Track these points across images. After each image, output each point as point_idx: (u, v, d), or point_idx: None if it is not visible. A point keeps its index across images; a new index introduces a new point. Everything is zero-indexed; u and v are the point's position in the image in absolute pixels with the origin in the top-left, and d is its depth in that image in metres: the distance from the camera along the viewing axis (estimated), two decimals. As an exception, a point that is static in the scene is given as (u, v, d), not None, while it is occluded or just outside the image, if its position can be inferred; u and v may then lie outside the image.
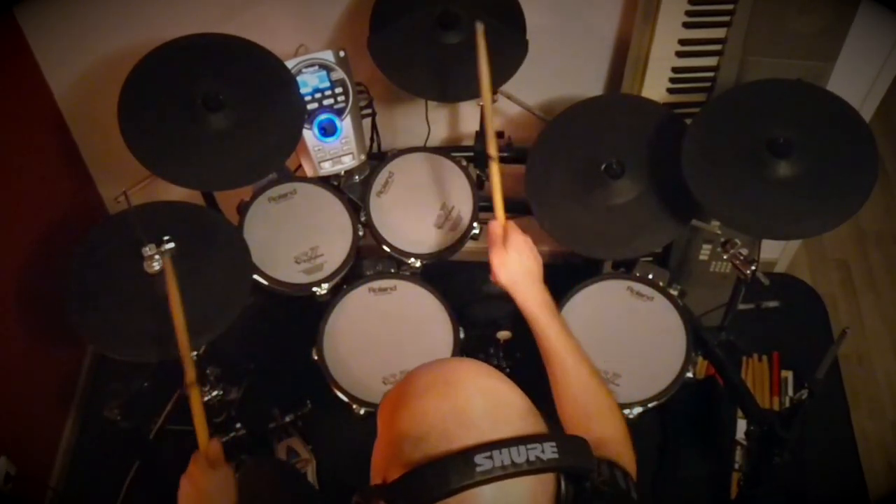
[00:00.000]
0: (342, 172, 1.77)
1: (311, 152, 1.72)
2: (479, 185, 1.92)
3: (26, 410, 1.97)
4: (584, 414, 1.14)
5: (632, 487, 0.97)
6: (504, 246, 1.29)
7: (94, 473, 2.05)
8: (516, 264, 1.28)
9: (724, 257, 1.64)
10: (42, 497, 1.98)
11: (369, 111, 1.85)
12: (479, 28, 1.38)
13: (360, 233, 1.71)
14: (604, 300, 1.67)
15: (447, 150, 1.85)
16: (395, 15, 1.68)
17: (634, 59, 1.77)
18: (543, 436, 0.75)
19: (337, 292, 1.67)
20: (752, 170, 1.47)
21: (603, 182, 1.58)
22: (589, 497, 0.80)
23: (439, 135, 2.08)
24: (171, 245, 1.46)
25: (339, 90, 1.70)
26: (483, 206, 1.79)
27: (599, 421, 1.13)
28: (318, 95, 1.69)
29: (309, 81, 1.68)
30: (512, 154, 1.93)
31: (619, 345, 1.61)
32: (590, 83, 1.95)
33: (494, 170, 1.40)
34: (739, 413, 2.03)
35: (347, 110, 1.72)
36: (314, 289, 1.65)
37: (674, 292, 1.66)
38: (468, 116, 2.03)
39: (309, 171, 1.76)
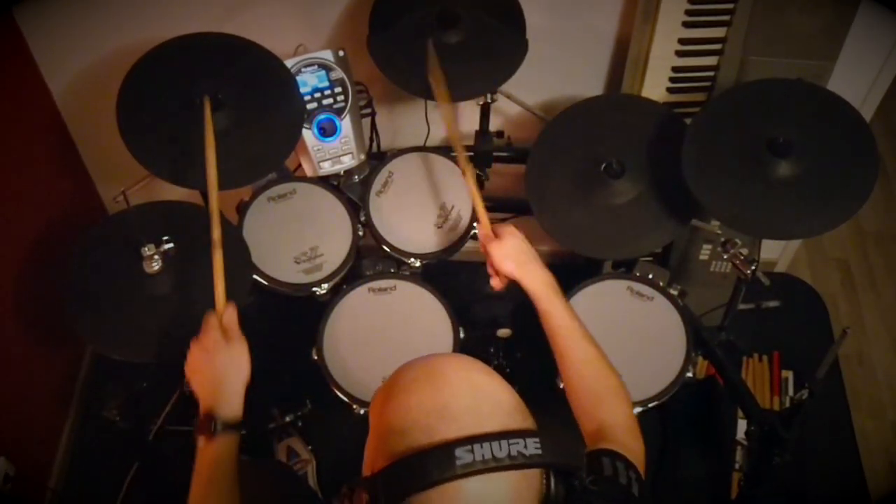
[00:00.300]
0: (342, 172, 1.77)
1: (311, 152, 1.72)
2: (479, 185, 1.92)
3: (25, 411, 1.97)
4: (592, 394, 1.15)
5: (633, 482, 0.97)
6: (497, 238, 1.34)
7: (94, 474, 2.05)
8: (514, 248, 1.32)
9: (725, 257, 1.64)
10: (41, 497, 1.98)
11: (369, 111, 1.85)
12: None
13: (360, 233, 1.70)
14: (604, 300, 1.66)
15: (447, 149, 1.85)
16: (394, 14, 1.67)
17: (634, 59, 1.77)
18: (527, 432, 0.75)
19: (337, 292, 1.67)
20: (752, 170, 1.47)
21: (603, 182, 1.58)
22: (580, 495, 0.80)
23: (439, 134, 2.07)
24: (171, 245, 1.46)
25: (338, 90, 1.70)
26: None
27: (607, 403, 1.14)
28: (317, 95, 1.69)
29: (308, 81, 1.68)
30: (512, 154, 1.93)
31: (619, 345, 1.60)
32: (590, 83, 1.94)
33: (469, 180, 1.48)
34: (739, 413, 2.03)
35: (347, 110, 1.72)
36: (314, 289, 1.65)
37: (674, 292, 1.66)
38: (468, 116, 2.03)
39: (308, 171, 1.76)
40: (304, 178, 1.77)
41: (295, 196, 1.73)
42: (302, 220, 1.71)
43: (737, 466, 1.98)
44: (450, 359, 0.83)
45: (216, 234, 1.31)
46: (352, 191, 1.78)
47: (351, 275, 1.69)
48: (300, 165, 1.79)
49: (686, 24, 1.68)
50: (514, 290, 2.37)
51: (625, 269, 1.73)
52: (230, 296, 1.40)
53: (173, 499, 2.01)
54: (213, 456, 1.12)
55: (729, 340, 1.92)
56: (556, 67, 1.89)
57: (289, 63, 1.65)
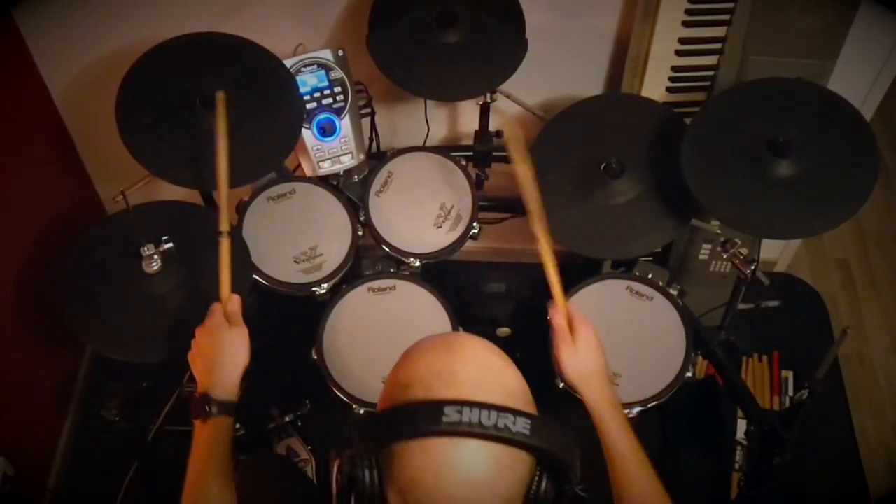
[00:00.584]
0: (341, 172, 1.77)
1: (310, 152, 1.72)
2: (479, 185, 1.91)
3: (25, 411, 1.97)
4: None
5: None
6: (573, 343, 1.21)
7: (93, 474, 2.05)
8: (586, 365, 1.20)
9: (724, 257, 1.64)
10: (41, 498, 1.98)
11: (368, 110, 1.84)
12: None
13: (360, 232, 1.70)
14: (603, 300, 1.66)
15: (446, 149, 1.85)
16: (394, 14, 1.67)
17: (634, 58, 1.77)
18: (521, 412, 0.76)
19: (336, 292, 1.67)
20: (752, 169, 1.47)
21: (602, 181, 1.58)
22: (570, 500, 0.80)
23: (438, 134, 2.07)
24: (170, 245, 1.46)
25: (337, 89, 1.70)
26: (482, 206, 1.79)
27: None
28: (316, 95, 1.69)
29: (308, 81, 1.67)
30: (511, 154, 1.93)
31: (618, 344, 1.61)
32: (589, 82, 1.94)
33: (549, 267, 1.31)
34: (739, 413, 2.03)
35: (346, 110, 1.71)
36: (313, 288, 1.65)
37: (673, 292, 1.65)
38: (467, 116, 2.03)
39: (308, 171, 1.76)
40: (304, 178, 1.76)
41: (294, 196, 1.73)
42: (301, 220, 1.71)
43: (737, 466, 1.98)
44: (470, 336, 0.85)
45: (224, 224, 1.31)
46: (351, 190, 1.77)
47: (350, 275, 1.69)
48: (299, 165, 1.79)
49: (686, 24, 1.68)
50: (514, 289, 2.38)
51: (624, 268, 1.73)
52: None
53: (173, 499, 2.01)
54: (208, 437, 1.14)
55: (729, 340, 1.92)
56: (556, 67, 1.89)
57: (288, 63, 1.65)
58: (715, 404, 2.07)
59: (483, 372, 0.80)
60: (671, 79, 1.76)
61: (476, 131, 1.89)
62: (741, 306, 1.82)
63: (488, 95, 1.75)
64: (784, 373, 2.18)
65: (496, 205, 2.01)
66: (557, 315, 1.24)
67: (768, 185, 1.45)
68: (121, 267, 1.47)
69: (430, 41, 1.63)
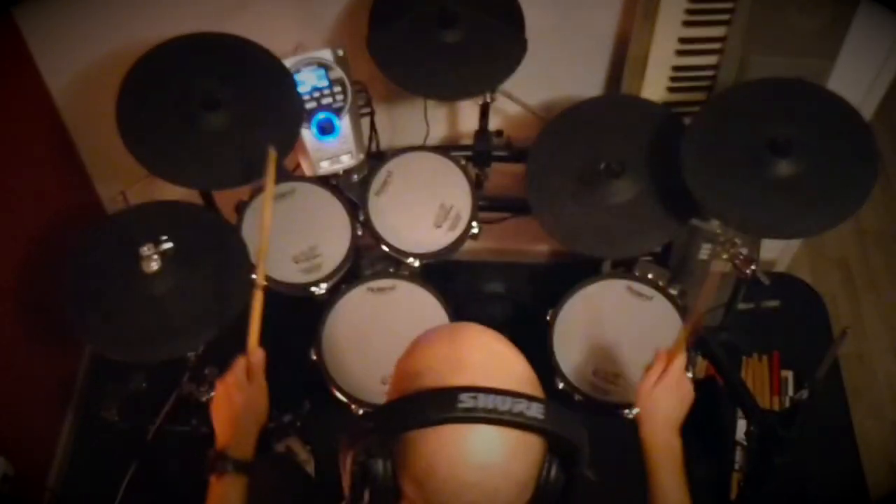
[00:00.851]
0: (340, 172, 1.77)
1: (310, 151, 1.72)
2: (478, 185, 1.91)
3: (24, 411, 1.96)
4: None
5: None
6: (658, 382, 1.24)
7: (92, 474, 2.05)
8: (657, 409, 1.22)
9: (724, 257, 1.63)
10: (40, 498, 1.97)
11: (368, 110, 1.84)
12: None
13: (359, 232, 1.70)
14: (603, 300, 1.66)
15: (446, 149, 1.85)
16: (394, 13, 1.67)
17: (634, 58, 1.77)
18: (534, 397, 0.76)
19: (335, 292, 1.67)
20: (751, 169, 1.47)
21: (602, 181, 1.58)
22: (580, 486, 0.81)
23: (438, 134, 2.07)
24: (169, 244, 1.46)
25: (337, 89, 1.70)
26: (482, 206, 1.78)
27: None
28: (316, 94, 1.69)
29: (307, 80, 1.67)
30: (511, 154, 1.93)
31: (618, 344, 1.61)
32: (589, 82, 1.94)
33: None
34: (739, 413, 2.02)
35: (346, 109, 1.71)
36: (312, 288, 1.65)
37: (673, 292, 1.65)
38: (467, 115, 2.03)
39: (307, 171, 1.76)
40: (303, 178, 1.76)
41: (294, 195, 1.73)
42: (300, 220, 1.71)
43: (737, 466, 1.98)
44: (476, 326, 0.86)
45: (261, 277, 1.30)
46: (351, 190, 1.77)
47: (350, 274, 1.69)
48: (299, 165, 1.79)
49: (686, 24, 1.68)
50: (513, 290, 2.37)
51: (624, 268, 1.73)
52: (228, 295, 1.41)
53: (172, 499, 2.02)
54: (221, 494, 1.13)
55: (729, 340, 1.92)
56: (556, 67, 1.89)
57: (287, 62, 1.65)
58: (715, 404, 2.06)
59: (491, 358, 0.80)
60: (671, 79, 1.76)
61: (476, 131, 1.89)
62: (741, 306, 1.82)
63: (488, 95, 1.75)
64: (784, 373, 2.18)
65: (496, 204, 2.01)
66: (662, 352, 1.27)
67: (768, 185, 1.45)
68: (120, 267, 1.46)
69: (430, 41, 1.63)
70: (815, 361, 1.45)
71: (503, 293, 2.34)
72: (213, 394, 1.71)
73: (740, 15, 1.64)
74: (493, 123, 1.90)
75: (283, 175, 1.78)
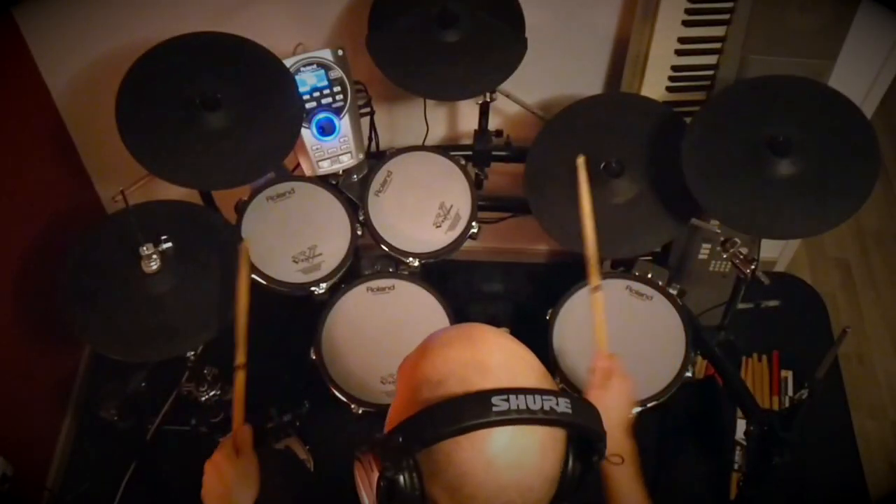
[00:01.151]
0: (340, 171, 1.77)
1: (310, 151, 1.72)
2: (478, 185, 1.91)
3: (23, 411, 1.96)
4: None
5: None
6: (605, 388, 1.23)
7: (92, 474, 2.04)
8: (608, 413, 1.19)
9: (724, 256, 1.63)
10: (39, 498, 1.97)
11: (368, 110, 1.84)
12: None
13: (359, 232, 1.70)
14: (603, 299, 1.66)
15: (446, 148, 1.84)
16: (393, 13, 1.67)
17: (634, 58, 1.77)
18: (559, 392, 0.77)
19: (335, 292, 1.67)
20: (752, 168, 1.47)
21: (602, 181, 1.58)
22: (593, 475, 0.82)
23: (438, 134, 2.07)
24: (169, 244, 1.46)
25: (337, 89, 1.70)
26: (481, 206, 1.78)
27: None
28: (316, 94, 1.69)
29: (307, 80, 1.67)
30: (511, 153, 1.93)
31: (618, 344, 1.59)
32: (589, 82, 1.94)
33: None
34: (739, 413, 2.02)
35: (346, 109, 1.71)
36: (312, 288, 1.64)
37: (673, 291, 1.65)
38: (467, 115, 2.03)
39: (307, 171, 1.76)
40: (303, 178, 1.76)
41: (293, 195, 1.73)
42: (300, 220, 1.71)
43: (736, 466, 1.98)
44: (482, 325, 0.85)
45: (241, 357, 1.30)
46: (350, 190, 1.77)
47: (349, 274, 1.69)
48: (299, 165, 1.79)
49: (686, 23, 1.68)
50: (513, 289, 2.37)
51: (624, 268, 1.73)
52: (228, 295, 1.40)
53: (171, 499, 2.02)
54: None
55: (728, 340, 1.92)
56: (556, 66, 1.89)
57: (288, 62, 1.65)
58: (714, 404, 2.07)
59: (511, 358, 0.80)
60: (671, 78, 1.76)
61: (475, 131, 1.89)
62: (741, 306, 1.82)
63: (488, 95, 1.75)
64: (784, 373, 2.18)
65: (495, 204, 2.01)
66: (602, 361, 1.27)
67: (768, 185, 1.45)
68: (120, 266, 1.47)
69: (430, 41, 1.63)
70: (815, 361, 1.45)
71: (503, 293, 2.34)
72: (212, 393, 1.72)
73: (740, 15, 1.64)
74: (493, 123, 1.90)
75: (284, 175, 1.78)
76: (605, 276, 1.69)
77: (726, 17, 1.65)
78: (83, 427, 2.12)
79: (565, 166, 1.64)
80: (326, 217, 1.72)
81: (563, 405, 0.75)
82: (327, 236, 1.69)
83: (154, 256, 1.44)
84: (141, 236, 1.44)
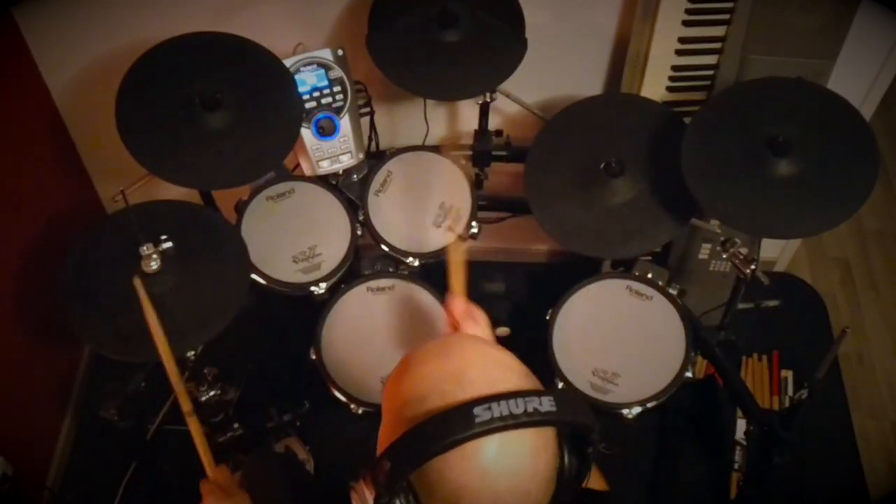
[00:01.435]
0: (340, 171, 1.77)
1: (310, 151, 1.72)
2: (478, 185, 1.91)
3: (23, 410, 1.96)
4: None
5: None
6: (470, 326, 1.21)
7: (92, 474, 2.05)
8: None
9: (724, 256, 1.63)
10: (39, 497, 1.97)
11: (368, 110, 1.84)
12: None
13: (359, 232, 1.70)
14: (603, 299, 1.66)
15: (446, 148, 1.84)
16: (393, 13, 1.67)
17: (634, 58, 1.77)
18: (541, 390, 0.77)
19: (335, 291, 1.67)
20: (751, 168, 1.47)
21: (602, 181, 1.58)
22: (591, 465, 0.81)
23: (438, 133, 2.07)
24: (169, 244, 1.46)
25: (337, 89, 1.70)
26: (481, 206, 1.79)
27: None
28: (316, 94, 1.69)
29: (307, 80, 1.67)
30: (511, 153, 1.93)
31: (618, 344, 1.61)
32: (589, 82, 1.94)
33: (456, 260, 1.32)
34: (739, 413, 2.02)
35: (346, 109, 1.71)
36: (312, 288, 1.65)
37: (673, 291, 1.65)
38: (467, 115, 2.03)
39: (307, 170, 1.76)
40: (303, 178, 1.76)
41: (293, 195, 1.73)
42: (300, 220, 1.71)
43: (736, 466, 1.98)
44: (458, 335, 0.86)
45: (186, 406, 1.28)
46: (350, 190, 1.77)
47: (349, 274, 1.69)
48: (299, 164, 1.79)
49: (686, 23, 1.68)
50: (513, 289, 2.37)
51: (624, 268, 1.73)
52: (228, 295, 1.40)
53: (171, 498, 2.02)
54: None
55: (728, 340, 1.92)
56: (556, 66, 1.89)
57: (288, 62, 1.65)
58: (714, 404, 2.07)
59: (489, 364, 0.80)
60: (671, 78, 1.76)
61: (475, 131, 1.89)
62: (741, 306, 1.82)
63: (488, 95, 1.75)
64: (784, 372, 2.18)
65: (495, 204, 2.01)
66: (454, 302, 1.24)
67: (768, 185, 1.45)
68: (120, 266, 1.46)
69: (430, 41, 1.63)
70: (815, 361, 1.45)
71: (503, 293, 2.34)
72: (212, 393, 1.72)
73: (740, 15, 1.64)
74: (493, 123, 1.90)
75: (284, 175, 1.78)
76: (605, 276, 1.70)
77: (726, 17, 1.66)
78: (83, 427, 2.12)
79: (565, 166, 1.64)
80: (326, 217, 1.72)
81: (547, 404, 0.74)
82: (327, 236, 1.69)
83: (154, 256, 1.43)
84: (141, 236, 1.44)
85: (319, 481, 1.72)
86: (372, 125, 1.91)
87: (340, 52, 1.69)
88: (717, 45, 1.70)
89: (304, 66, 1.67)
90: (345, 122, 1.72)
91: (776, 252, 2.39)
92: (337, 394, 1.56)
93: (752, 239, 1.71)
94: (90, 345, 1.91)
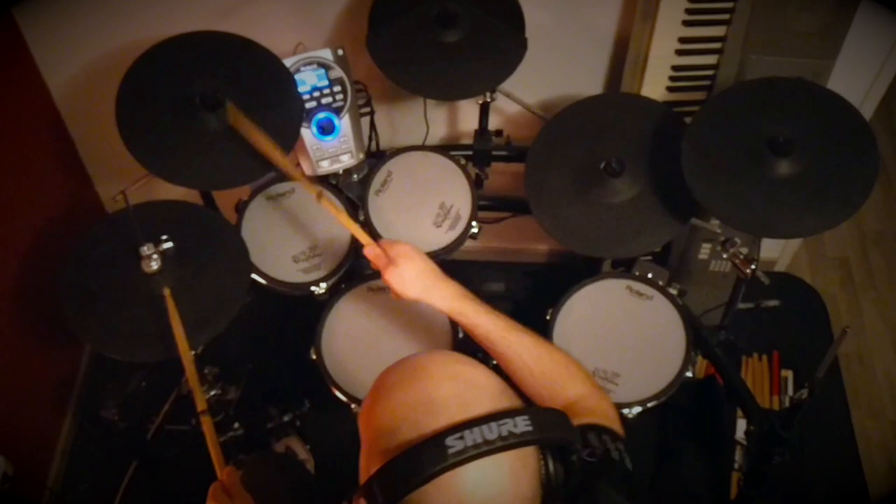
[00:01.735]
0: (340, 171, 1.77)
1: (310, 151, 1.72)
2: (478, 184, 1.91)
3: (24, 410, 1.96)
4: (547, 379, 1.13)
5: (624, 455, 0.95)
6: (391, 261, 1.26)
7: (92, 474, 2.05)
8: (412, 271, 1.25)
9: (724, 256, 1.63)
10: (39, 497, 1.98)
11: (368, 110, 1.84)
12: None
13: (359, 232, 1.70)
14: (603, 299, 1.66)
15: (446, 148, 1.84)
16: (393, 13, 1.67)
17: (634, 58, 1.77)
18: (515, 410, 0.74)
19: (335, 291, 1.67)
20: (751, 168, 1.47)
21: (602, 181, 1.58)
22: (579, 473, 0.80)
23: (438, 133, 2.07)
24: (169, 244, 1.46)
25: (337, 88, 1.69)
26: (482, 205, 1.79)
27: (564, 379, 1.12)
28: (316, 94, 1.69)
29: (307, 80, 1.67)
30: (511, 153, 1.93)
31: (618, 344, 1.61)
32: (589, 81, 1.94)
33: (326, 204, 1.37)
34: (739, 413, 2.02)
35: (346, 109, 1.71)
36: (312, 288, 1.64)
37: (673, 291, 1.65)
38: (467, 115, 2.03)
39: (307, 170, 1.76)
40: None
41: (293, 195, 1.73)
42: (300, 219, 1.71)
43: (736, 466, 1.98)
44: (428, 355, 0.83)
45: (201, 404, 1.29)
46: (350, 190, 1.77)
47: (349, 274, 1.69)
48: (299, 164, 1.78)
49: (686, 23, 1.68)
50: (513, 289, 2.37)
51: (624, 268, 1.73)
52: (229, 295, 1.40)
53: (172, 498, 2.02)
54: None
55: (728, 340, 1.92)
56: (556, 66, 1.89)
57: (288, 62, 1.65)
58: (715, 404, 2.07)
59: (458, 385, 0.78)
60: (671, 78, 1.76)
61: (476, 130, 1.89)
62: (741, 305, 1.82)
63: (488, 95, 1.75)
64: (784, 372, 2.18)
65: (495, 204, 2.01)
66: (368, 249, 1.28)
67: (768, 185, 1.45)
68: (120, 266, 1.47)
69: (430, 41, 1.63)
70: (815, 361, 1.45)
71: (503, 293, 2.34)
72: (212, 393, 1.72)
73: (740, 15, 1.64)
74: (493, 123, 1.90)
75: (283, 175, 1.77)
76: (605, 276, 1.70)
77: (726, 17, 1.66)
78: (83, 427, 2.13)
79: (565, 166, 1.64)
80: (326, 217, 1.72)
81: (522, 424, 0.72)
82: (327, 236, 1.69)
83: (154, 256, 1.43)
84: (141, 236, 1.44)
85: (320, 481, 1.72)
86: (372, 125, 1.91)
87: (340, 52, 1.69)
88: (717, 45, 1.70)
89: (304, 65, 1.67)
90: (345, 122, 1.72)
91: (776, 252, 2.39)
92: (337, 393, 1.56)
93: (752, 239, 1.71)
94: (90, 345, 1.91)
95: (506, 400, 0.78)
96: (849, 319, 2.41)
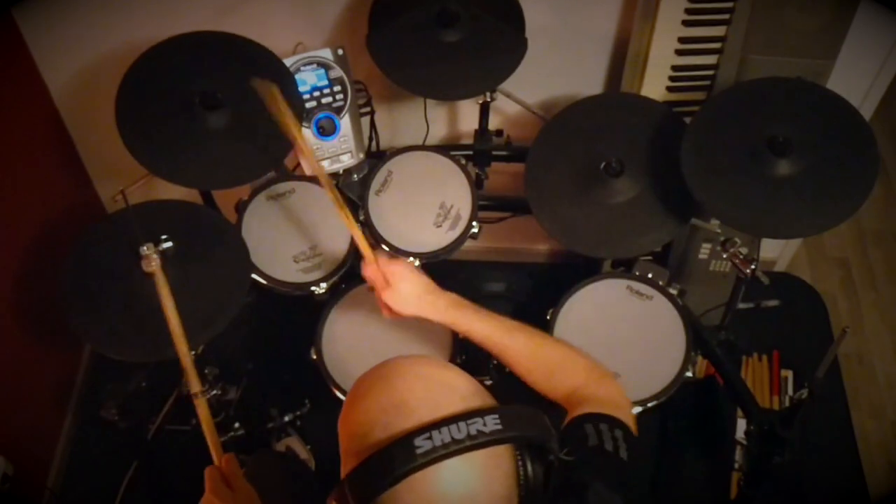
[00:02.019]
0: (341, 171, 1.77)
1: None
2: (479, 184, 1.91)
3: (24, 410, 1.96)
4: (547, 370, 1.14)
5: (620, 444, 0.94)
6: (388, 283, 1.27)
7: (92, 474, 2.05)
8: (409, 292, 1.26)
9: (724, 256, 1.64)
10: (39, 497, 1.98)
11: (368, 109, 1.85)
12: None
13: (359, 232, 1.70)
14: (603, 299, 1.66)
15: (446, 148, 1.84)
16: (393, 13, 1.67)
17: (634, 58, 1.77)
18: (485, 409, 0.74)
19: (335, 291, 1.67)
20: (751, 168, 1.47)
21: (602, 181, 1.58)
22: (560, 471, 0.79)
23: (438, 133, 2.07)
24: (169, 244, 1.45)
25: (337, 88, 1.70)
26: (482, 205, 1.79)
27: (564, 369, 1.13)
28: (316, 94, 1.69)
29: (307, 80, 1.67)
30: (511, 153, 1.93)
31: (618, 344, 1.61)
32: (589, 81, 1.94)
33: (345, 216, 1.37)
34: (739, 413, 2.02)
35: (346, 109, 1.71)
36: (312, 288, 1.64)
37: (673, 291, 1.65)
38: (467, 115, 2.03)
39: (307, 171, 1.76)
40: (303, 177, 1.76)
41: (294, 195, 1.73)
42: (301, 219, 1.71)
43: (736, 466, 1.98)
44: (401, 358, 0.83)
45: (196, 386, 1.28)
46: (351, 190, 1.77)
47: (349, 274, 1.69)
48: (299, 164, 1.79)
49: (686, 23, 1.68)
50: (514, 289, 2.38)
51: (624, 268, 1.73)
52: (229, 295, 1.40)
53: (172, 498, 2.02)
54: None
55: (728, 340, 1.92)
56: (556, 66, 1.89)
57: (288, 61, 1.65)
58: (715, 404, 2.07)
59: (430, 387, 0.78)
60: (671, 78, 1.76)
61: (476, 130, 1.89)
62: (741, 305, 1.82)
63: (488, 95, 1.75)
64: (784, 372, 2.18)
65: (496, 204, 2.01)
66: (369, 269, 1.29)
67: (768, 185, 1.45)
68: (120, 266, 1.46)
69: (430, 40, 1.63)
70: (815, 361, 1.45)
71: (503, 293, 2.34)
72: (212, 393, 1.72)
73: (740, 15, 1.64)
74: (493, 123, 1.90)
75: (284, 174, 1.78)
76: (605, 276, 1.70)
77: (726, 17, 1.66)
78: (83, 427, 2.13)
79: (565, 166, 1.64)
80: (326, 217, 1.72)
81: (492, 423, 0.72)
82: (327, 236, 1.69)
83: (154, 256, 1.43)
84: (141, 236, 1.44)
85: (320, 481, 1.72)
86: (372, 125, 1.91)
87: (340, 52, 1.69)
88: (717, 45, 1.70)
89: (304, 65, 1.67)
90: (345, 122, 1.72)
91: (776, 252, 2.39)
92: (337, 393, 1.56)
93: (752, 239, 1.71)
94: (90, 345, 1.91)
95: (478, 400, 0.78)
96: (849, 319, 2.41)
